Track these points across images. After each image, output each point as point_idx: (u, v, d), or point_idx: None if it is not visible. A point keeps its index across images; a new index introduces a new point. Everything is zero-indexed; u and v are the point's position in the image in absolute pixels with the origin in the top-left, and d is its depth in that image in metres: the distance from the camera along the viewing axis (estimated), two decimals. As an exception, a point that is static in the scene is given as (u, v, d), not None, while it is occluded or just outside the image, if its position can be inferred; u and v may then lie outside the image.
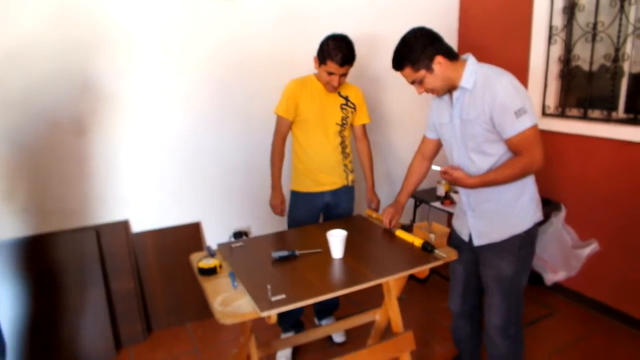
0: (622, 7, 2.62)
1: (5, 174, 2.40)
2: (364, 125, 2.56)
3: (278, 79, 2.63)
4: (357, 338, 2.59)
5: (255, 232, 3.05)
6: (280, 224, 2.65)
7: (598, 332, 2.71)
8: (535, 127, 1.64)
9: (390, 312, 2.09)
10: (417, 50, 1.71)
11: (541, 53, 3.02)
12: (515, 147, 1.67)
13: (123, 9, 2.50)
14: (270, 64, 2.92)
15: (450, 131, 1.87)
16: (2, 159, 2.38)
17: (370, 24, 3.22)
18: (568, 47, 2.96)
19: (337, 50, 2.19)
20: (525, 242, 1.82)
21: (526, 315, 2.82)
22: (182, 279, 2.83)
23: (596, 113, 2.84)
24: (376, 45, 3.27)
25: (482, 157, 1.77)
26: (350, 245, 1.88)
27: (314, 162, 2.42)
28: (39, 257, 2.47)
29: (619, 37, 2.65)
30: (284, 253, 1.85)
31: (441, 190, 3.16)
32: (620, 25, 2.63)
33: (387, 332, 2.20)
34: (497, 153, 1.74)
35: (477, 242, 1.89)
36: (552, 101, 3.07)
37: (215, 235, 2.94)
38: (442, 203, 3.02)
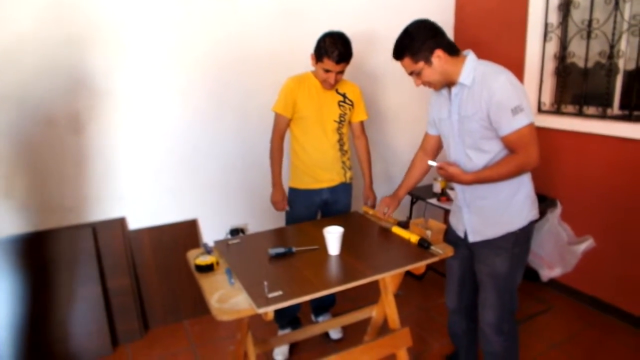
0: (616, 4, 2.63)
1: (2, 171, 2.39)
2: (361, 122, 2.57)
3: (275, 76, 2.63)
4: (353, 334, 2.60)
5: (252, 229, 3.06)
6: (277, 221, 2.65)
7: (593, 327, 2.73)
8: (531, 125, 1.64)
9: (387, 308, 2.10)
10: (418, 41, 1.72)
11: (537, 50, 3.03)
12: (511, 144, 1.68)
13: (119, 6, 2.49)
14: (267, 61, 2.91)
15: (448, 127, 1.88)
16: (1, 157, 2.37)
17: (367, 20, 3.22)
18: (563, 44, 2.97)
19: (333, 48, 2.19)
20: (520, 239, 1.83)
21: (522, 311, 2.85)
22: (178, 276, 2.83)
23: (591, 110, 2.86)
24: (373, 42, 3.28)
25: (478, 154, 1.77)
26: (347, 242, 1.89)
27: (312, 159, 2.43)
28: (36, 254, 2.47)
29: (613, 34, 2.66)
30: (281, 250, 1.85)
31: (437, 187, 3.16)
32: (615, 22, 2.64)
33: (383, 329, 2.21)
34: (493, 150, 1.74)
35: (471, 238, 1.90)
36: (547, 98, 3.08)
37: (212, 232, 2.94)
38: (439, 200, 3.03)
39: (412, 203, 3.34)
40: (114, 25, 2.50)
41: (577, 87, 2.96)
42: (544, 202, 2.98)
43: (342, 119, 2.43)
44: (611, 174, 2.72)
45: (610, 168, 2.71)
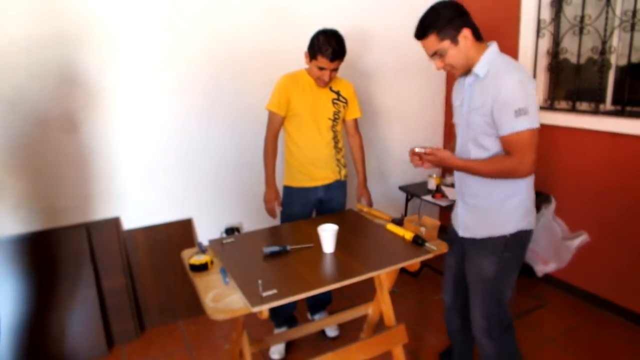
0: (608, 0, 2.63)
1: (-5, 172, 2.38)
2: (355, 120, 2.57)
3: (268, 74, 2.63)
4: (350, 332, 2.60)
5: (247, 227, 3.05)
6: (272, 220, 2.65)
7: (588, 322, 2.74)
8: (532, 131, 1.57)
9: (382, 305, 2.10)
10: (444, 18, 1.64)
11: (530, 46, 3.04)
12: (507, 146, 1.63)
13: (111, 5, 2.48)
14: (260, 59, 2.91)
15: (459, 117, 1.84)
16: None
17: (361, 18, 3.22)
18: (556, 40, 2.98)
19: (327, 45, 2.19)
20: (511, 245, 1.77)
21: (518, 307, 2.87)
22: (174, 276, 2.82)
23: (584, 105, 2.87)
24: (366, 39, 3.28)
25: (477, 149, 1.73)
26: (341, 239, 1.89)
27: (306, 157, 2.42)
28: (30, 255, 2.46)
29: (605, 30, 2.67)
30: (275, 248, 1.85)
31: (432, 184, 3.17)
32: (606, 18, 2.65)
33: (379, 326, 2.22)
34: (492, 148, 1.69)
35: (461, 233, 1.88)
36: (540, 94, 3.09)
37: (207, 232, 2.93)
38: (433, 196, 3.03)
39: (407, 200, 3.34)
40: (107, 24, 2.49)
41: (570, 83, 2.97)
42: (539, 197, 2.99)
43: (336, 116, 2.43)
44: (604, 169, 2.73)
45: (604, 163, 2.73)
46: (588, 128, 2.77)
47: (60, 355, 2.46)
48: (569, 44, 2.92)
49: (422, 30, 1.72)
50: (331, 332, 2.64)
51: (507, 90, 1.57)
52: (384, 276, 2.05)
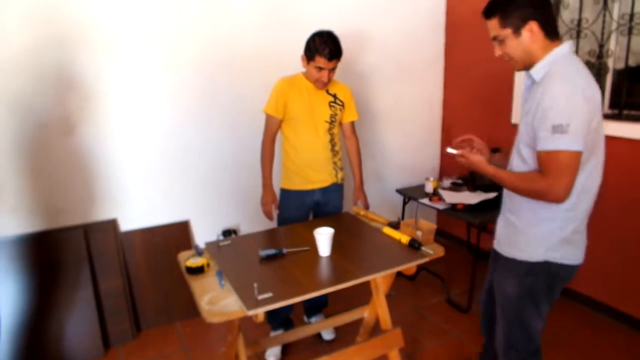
0: (605, 4, 2.64)
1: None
2: (352, 123, 2.57)
3: (265, 76, 2.64)
4: (346, 335, 2.60)
5: (244, 230, 3.05)
6: (269, 222, 2.64)
7: (587, 326, 2.74)
8: (571, 153, 1.39)
9: (379, 309, 2.10)
10: (514, 4, 1.49)
11: (527, 50, 3.03)
12: (540, 163, 1.47)
13: (109, 8, 2.48)
14: (257, 62, 2.91)
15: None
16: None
17: (357, 21, 3.22)
18: (554, 44, 2.98)
19: (324, 45, 2.20)
20: (536, 274, 1.61)
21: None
22: (170, 278, 2.82)
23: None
24: (363, 42, 3.28)
25: (518, 160, 1.60)
26: (337, 242, 1.89)
27: (303, 160, 2.43)
28: (28, 256, 2.45)
29: (603, 33, 2.67)
30: (271, 251, 1.85)
31: (430, 187, 3.17)
32: (604, 21, 2.66)
33: (376, 329, 2.22)
34: (531, 162, 1.54)
35: (494, 244, 1.78)
36: (538, 97, 3.09)
37: (204, 234, 2.93)
38: (431, 200, 3.03)
39: (404, 203, 3.34)
40: (104, 26, 2.49)
41: (567, 86, 2.97)
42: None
43: (333, 119, 2.43)
44: (603, 173, 2.72)
45: (603, 168, 2.72)
46: (586, 132, 2.77)
47: (57, 356, 2.46)
48: (567, 48, 2.92)
49: (489, 10, 1.56)
50: (327, 335, 2.64)
51: (550, 100, 1.41)
52: (380, 280, 2.05)
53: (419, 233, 1.96)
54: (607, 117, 2.72)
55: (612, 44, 2.69)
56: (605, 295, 2.82)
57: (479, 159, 1.65)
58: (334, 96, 2.43)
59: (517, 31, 1.51)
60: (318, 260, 1.84)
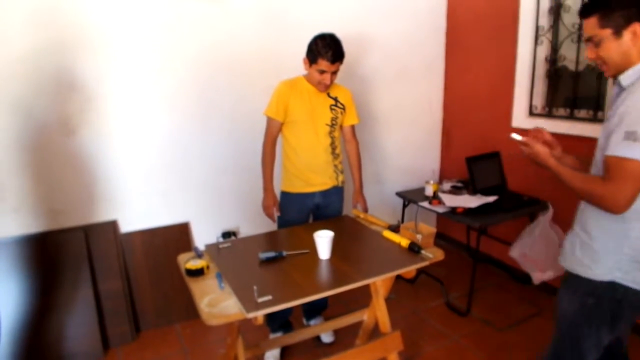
0: (607, 8, 2.64)
1: (-6, 175, 2.39)
2: (352, 126, 2.57)
3: (265, 79, 2.65)
4: (345, 338, 2.59)
5: (244, 232, 3.05)
6: (269, 224, 2.65)
7: None
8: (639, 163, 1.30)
9: (378, 312, 2.10)
10: (618, 2, 1.38)
11: (528, 53, 3.04)
12: (605, 167, 1.38)
13: (109, 11, 2.49)
14: (257, 65, 2.92)
15: None
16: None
17: (358, 24, 3.23)
18: (554, 48, 2.98)
19: (327, 48, 2.20)
20: (598, 294, 1.48)
21: (515, 314, 2.87)
22: (170, 279, 2.82)
23: (582, 113, 2.87)
24: (364, 45, 3.29)
25: (596, 170, 1.50)
26: (337, 246, 1.89)
27: (304, 162, 2.43)
28: (28, 257, 2.46)
29: (604, 38, 2.67)
30: (271, 254, 1.85)
31: (429, 190, 3.17)
32: (605, 26, 2.66)
33: (375, 332, 2.21)
34: (599, 165, 1.45)
35: (559, 259, 1.65)
36: (539, 101, 3.10)
37: (204, 236, 2.93)
38: (430, 203, 3.03)
39: (404, 206, 3.34)
40: (104, 30, 2.50)
41: (568, 90, 2.97)
42: (536, 205, 3.00)
43: (333, 122, 2.43)
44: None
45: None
46: (586, 135, 2.77)
47: (56, 357, 2.46)
48: (568, 52, 2.93)
49: (587, 7, 1.44)
50: (327, 338, 2.64)
51: (631, 106, 1.33)
52: (380, 283, 2.05)
53: (418, 236, 1.96)
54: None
55: (612, 49, 2.68)
56: None
57: (543, 150, 1.54)
58: (335, 99, 2.44)
59: (618, 32, 1.39)
60: (318, 263, 1.84)
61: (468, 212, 2.82)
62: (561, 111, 3.00)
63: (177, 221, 2.90)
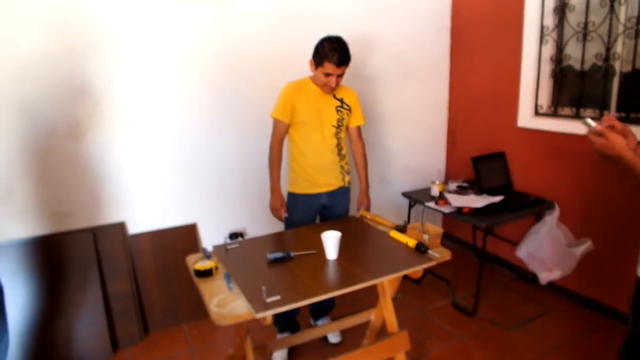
0: (612, 7, 2.64)
1: (4, 176, 2.41)
2: (359, 127, 2.58)
3: (273, 81, 2.65)
4: (352, 338, 2.60)
5: (251, 233, 3.06)
6: (276, 225, 2.66)
7: (593, 330, 2.73)
8: None
9: (385, 312, 2.11)
10: None
11: (533, 53, 3.04)
12: None
13: (119, 15, 2.51)
14: (264, 67, 2.93)
15: None
16: (1, 163, 2.39)
17: (364, 25, 3.24)
18: (559, 47, 2.98)
19: (333, 51, 2.21)
20: None
21: (522, 314, 2.87)
22: (178, 280, 2.84)
23: (588, 112, 2.87)
24: (370, 45, 3.30)
25: None
26: (344, 246, 1.90)
27: (310, 163, 2.44)
28: (37, 259, 2.48)
29: (609, 36, 2.67)
30: (279, 254, 1.87)
31: (435, 190, 3.17)
32: (610, 24, 2.66)
33: (382, 332, 2.22)
34: None
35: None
36: (544, 100, 3.10)
37: (211, 237, 2.95)
38: (436, 203, 3.04)
39: (410, 206, 3.35)
40: (113, 33, 2.52)
41: (574, 89, 2.97)
42: (542, 204, 3.00)
43: (340, 123, 2.44)
44: (608, 175, 2.73)
45: (608, 170, 2.72)
46: (592, 135, 2.77)
47: (65, 358, 2.48)
48: (573, 51, 2.92)
49: None
50: (334, 338, 2.64)
51: None
52: (387, 283, 2.06)
53: (425, 237, 1.96)
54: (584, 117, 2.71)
55: (619, 47, 2.68)
56: (614, 299, 2.81)
57: (621, 141, 1.40)
58: (341, 101, 2.45)
59: None
60: (325, 263, 1.85)
61: (474, 212, 2.82)
62: (567, 110, 2.99)
63: (185, 222, 2.92)
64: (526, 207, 2.96)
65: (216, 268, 1.80)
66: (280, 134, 2.43)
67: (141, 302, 2.78)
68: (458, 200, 2.96)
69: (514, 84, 3.20)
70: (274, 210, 2.50)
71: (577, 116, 2.91)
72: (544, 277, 3.02)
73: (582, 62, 2.85)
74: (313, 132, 2.41)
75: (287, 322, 2.59)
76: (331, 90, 2.35)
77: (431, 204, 3.06)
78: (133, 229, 2.79)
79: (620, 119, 2.65)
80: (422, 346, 2.60)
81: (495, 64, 3.37)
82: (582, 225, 2.91)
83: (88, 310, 2.55)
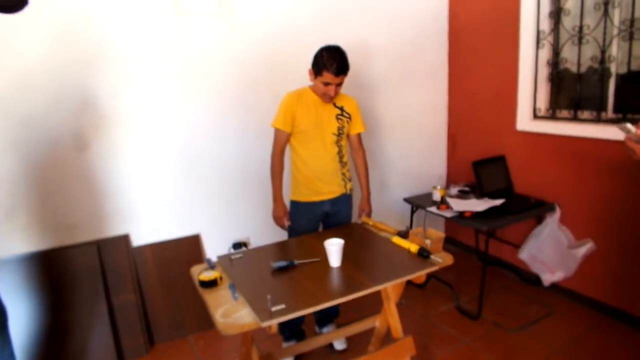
0: (606, 10, 2.67)
1: (8, 190, 2.43)
2: (359, 135, 2.61)
3: (273, 90, 2.69)
4: (358, 345, 2.61)
5: (254, 242, 3.08)
6: (279, 234, 2.68)
7: (597, 330, 2.74)
8: None
9: (390, 318, 2.12)
10: None
11: (530, 57, 3.07)
12: None
13: (123, 28, 2.55)
14: (265, 76, 2.96)
15: None
16: (5, 177, 2.42)
17: (362, 33, 3.28)
18: (556, 51, 3.01)
19: (332, 61, 2.24)
20: None
21: (526, 316, 2.87)
22: (182, 291, 2.85)
23: (586, 114, 2.89)
24: (369, 53, 3.33)
25: None
26: (347, 253, 1.91)
27: (312, 171, 2.46)
28: (42, 273, 2.49)
29: (604, 39, 2.70)
30: (283, 263, 1.88)
31: (437, 195, 3.19)
32: (605, 27, 2.69)
33: (387, 338, 2.23)
34: None
35: None
36: (542, 104, 3.12)
37: (215, 247, 2.96)
38: (439, 208, 3.05)
39: (412, 212, 3.36)
40: (117, 45, 2.55)
41: (571, 92, 2.99)
42: (543, 206, 3.01)
43: (340, 131, 2.47)
44: (607, 176, 2.74)
45: (607, 170, 2.74)
46: (590, 136, 2.79)
47: (72, 372, 2.49)
48: (569, 54, 2.95)
49: None
50: (339, 345, 2.65)
51: None
52: (391, 289, 2.07)
53: (427, 242, 1.98)
54: (611, 121, 2.74)
55: (614, 50, 2.71)
56: (617, 299, 2.81)
57: None
58: (341, 109, 2.47)
59: None
60: (329, 271, 1.86)
61: (476, 215, 2.84)
62: (565, 113, 3.01)
63: (188, 233, 2.94)
64: (527, 210, 2.97)
65: (221, 278, 1.81)
66: (281, 143, 2.45)
67: (146, 314, 2.80)
68: (459, 205, 2.97)
69: (512, 87, 3.22)
70: (277, 219, 2.52)
71: (575, 118, 2.92)
72: (547, 278, 3.03)
73: (579, 65, 2.88)
74: (314, 140, 2.43)
75: (292, 331, 2.60)
76: (330, 100, 2.38)
77: (433, 209, 3.08)
78: (137, 240, 2.80)
79: (617, 120, 2.70)
80: (427, 351, 2.60)
81: (493, 68, 3.40)
82: (583, 226, 2.92)
83: (94, 323, 2.57)
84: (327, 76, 2.26)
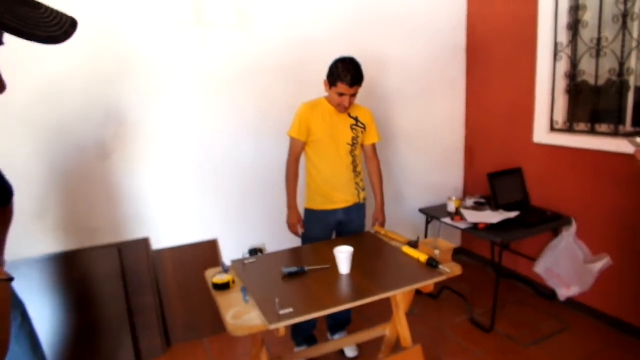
0: (624, 22, 2.66)
1: (38, 195, 2.56)
2: (374, 145, 2.65)
3: (290, 100, 2.77)
4: (369, 352, 2.63)
5: (270, 248, 3.13)
6: (295, 241, 2.73)
7: (612, 346, 2.70)
8: None
9: (399, 326, 2.15)
10: None
11: (547, 69, 3.07)
12: None
13: (144, 41, 2.66)
14: (282, 86, 3.04)
15: None
16: (35, 182, 2.54)
17: (378, 45, 3.32)
18: (574, 63, 3.00)
19: (346, 72, 2.30)
20: None
21: (541, 330, 2.85)
22: (199, 295, 2.92)
23: (604, 127, 2.87)
24: (384, 65, 3.37)
25: None
26: (357, 261, 1.95)
27: (326, 180, 2.51)
28: (65, 273, 2.60)
29: (623, 52, 2.69)
30: (293, 269, 1.93)
31: (452, 207, 3.19)
32: (623, 40, 2.67)
33: (397, 347, 2.25)
34: None
35: None
36: (560, 116, 3.11)
37: (231, 252, 3.03)
38: (453, 219, 3.06)
39: (427, 222, 3.38)
40: (140, 59, 2.67)
41: (589, 104, 2.98)
42: (559, 220, 2.99)
43: (354, 141, 2.52)
44: (625, 190, 2.71)
45: (624, 185, 2.71)
46: (608, 150, 2.77)
47: (91, 370, 2.58)
48: (587, 67, 2.94)
49: None
50: (350, 352, 2.68)
51: None
52: (400, 297, 2.10)
53: (436, 252, 2.00)
54: (630, 135, 2.71)
55: (632, 62, 2.69)
56: (633, 316, 2.76)
57: None
58: (356, 119, 2.52)
59: None
60: (338, 277, 1.90)
61: (490, 227, 2.84)
62: (582, 126, 3.00)
63: (206, 238, 3.02)
64: (543, 223, 2.95)
65: (233, 282, 1.88)
66: (296, 151, 2.51)
67: (164, 316, 2.88)
68: (473, 216, 2.97)
69: (530, 100, 3.22)
70: (291, 227, 2.57)
71: (593, 131, 2.91)
72: (563, 293, 3.00)
73: (597, 77, 2.87)
74: (328, 149, 2.48)
75: (304, 336, 2.64)
76: (345, 110, 2.43)
77: (447, 220, 3.09)
78: (156, 244, 2.90)
79: (636, 133, 2.67)
80: (438, 361, 2.61)
81: (511, 80, 3.40)
82: (600, 241, 2.88)
83: (113, 323, 2.66)
84: (342, 87, 2.32)
